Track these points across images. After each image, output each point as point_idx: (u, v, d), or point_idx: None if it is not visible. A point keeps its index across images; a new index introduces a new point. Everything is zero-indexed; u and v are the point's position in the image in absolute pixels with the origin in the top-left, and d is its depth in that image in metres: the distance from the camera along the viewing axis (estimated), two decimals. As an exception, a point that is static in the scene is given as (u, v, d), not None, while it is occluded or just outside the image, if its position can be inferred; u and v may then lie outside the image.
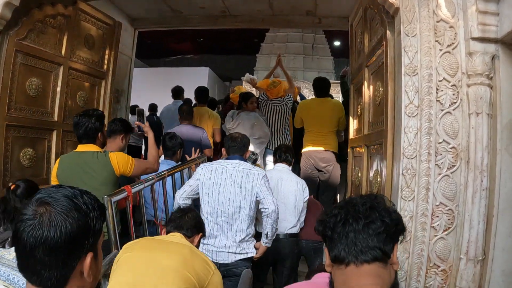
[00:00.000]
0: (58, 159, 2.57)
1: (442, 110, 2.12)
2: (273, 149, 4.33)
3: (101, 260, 0.91)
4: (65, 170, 2.45)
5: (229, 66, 10.63)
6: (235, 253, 2.48)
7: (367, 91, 2.88)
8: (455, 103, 2.12)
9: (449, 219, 2.12)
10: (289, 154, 3.12)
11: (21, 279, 1.27)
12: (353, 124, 3.43)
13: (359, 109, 3.19)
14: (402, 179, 2.10)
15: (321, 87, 4.37)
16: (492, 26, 2.12)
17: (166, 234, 1.93)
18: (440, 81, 2.13)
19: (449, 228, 2.12)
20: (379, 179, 2.55)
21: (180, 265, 1.60)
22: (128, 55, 4.53)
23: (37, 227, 0.76)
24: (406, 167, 2.10)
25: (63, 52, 3.48)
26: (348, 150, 3.54)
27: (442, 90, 2.13)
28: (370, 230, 0.92)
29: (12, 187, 2.15)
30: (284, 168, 3.06)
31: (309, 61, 9.83)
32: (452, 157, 2.10)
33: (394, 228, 0.95)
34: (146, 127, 2.79)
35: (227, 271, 2.45)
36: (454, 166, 2.10)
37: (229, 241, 2.48)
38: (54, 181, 2.51)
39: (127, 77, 4.55)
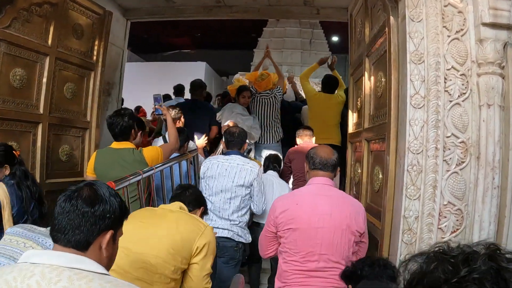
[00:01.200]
0: (94, 153, 2.79)
1: (451, 101, 1.93)
2: (265, 143, 4.17)
3: (117, 247, 1.08)
4: (102, 164, 2.64)
5: (226, 60, 10.38)
6: (228, 229, 2.59)
7: (368, 83, 2.69)
8: (464, 93, 1.93)
9: (457, 220, 1.93)
10: (277, 164, 3.51)
11: (49, 242, 1.57)
12: (352, 118, 3.23)
13: (358, 102, 2.99)
14: (407, 176, 1.91)
15: (330, 85, 4.32)
16: (504, 11, 1.92)
17: None
18: (448, 69, 1.93)
19: (457, 229, 1.93)
20: (380, 176, 2.36)
21: (170, 231, 1.67)
22: (120, 47, 4.32)
23: (76, 197, 1.01)
24: (411, 163, 1.91)
25: (49, 41, 3.27)
26: (347, 145, 3.35)
27: (451, 80, 1.93)
28: None
29: None
30: (274, 175, 3.41)
31: (306, 56, 9.58)
32: (461, 153, 1.91)
33: None
34: (164, 109, 2.93)
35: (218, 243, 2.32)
36: (463, 162, 1.91)
37: (222, 222, 2.62)
38: (90, 173, 2.72)
39: (118, 69, 4.33)
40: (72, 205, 0.99)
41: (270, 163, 3.50)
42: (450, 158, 1.91)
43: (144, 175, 2.50)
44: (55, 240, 1.00)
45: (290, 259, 1.78)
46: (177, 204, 1.88)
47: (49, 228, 1.05)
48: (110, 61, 4.16)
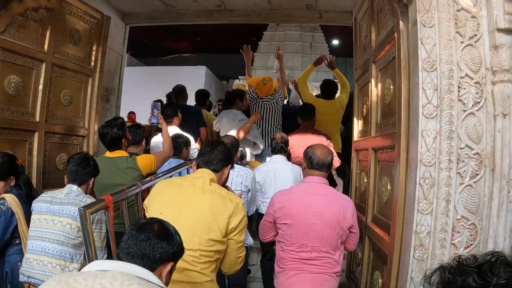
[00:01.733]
0: None
1: (465, 110, 1.83)
2: (267, 149, 4.07)
3: (171, 278, 1.21)
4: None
5: (226, 65, 10.28)
6: None
7: (375, 90, 2.59)
8: (478, 102, 1.82)
9: (471, 235, 1.82)
10: (284, 144, 3.28)
11: (72, 210, 2.07)
12: (357, 125, 3.13)
13: (364, 109, 2.90)
14: (419, 190, 1.80)
15: (329, 90, 4.23)
16: (520, 16, 1.83)
17: (196, 168, 1.89)
18: (461, 77, 1.83)
19: (471, 245, 1.83)
20: (389, 187, 2.26)
21: (204, 214, 1.66)
22: (118, 52, 4.22)
23: (148, 230, 1.16)
24: (423, 175, 1.80)
25: (45, 47, 3.18)
26: (352, 153, 3.25)
27: (465, 88, 1.83)
28: None
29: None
30: (279, 159, 3.26)
31: (307, 60, 9.51)
32: (476, 165, 1.81)
33: None
34: (161, 118, 2.97)
35: None
36: (477, 174, 1.81)
37: None
38: None
39: (117, 75, 4.23)
40: (145, 236, 1.13)
41: (277, 145, 3.28)
42: (464, 171, 1.81)
43: (143, 187, 2.40)
44: (121, 259, 1.11)
45: (287, 248, 2.03)
46: (206, 175, 1.79)
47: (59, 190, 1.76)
48: (109, 66, 4.07)
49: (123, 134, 2.71)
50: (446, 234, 1.80)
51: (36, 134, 3.14)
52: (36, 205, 2.17)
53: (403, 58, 2.01)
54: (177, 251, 1.18)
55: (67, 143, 3.46)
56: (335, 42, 10.39)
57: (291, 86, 5.27)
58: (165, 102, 5.83)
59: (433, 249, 1.82)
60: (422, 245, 1.82)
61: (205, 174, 1.79)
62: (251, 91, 4.36)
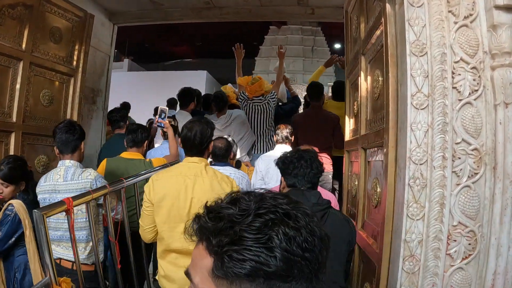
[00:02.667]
0: (104, 161, 2.79)
1: (460, 100, 1.56)
2: (259, 152, 3.81)
3: None
4: (112, 172, 2.69)
5: (227, 69, 10.09)
6: None
7: (364, 84, 2.34)
8: (476, 90, 1.56)
9: (469, 244, 1.55)
10: (289, 132, 3.05)
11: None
12: (349, 124, 2.87)
13: (355, 107, 2.64)
14: (408, 192, 1.54)
15: (340, 91, 3.88)
16: (522, -8, 1.57)
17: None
18: (456, 62, 1.57)
19: (469, 255, 1.55)
20: (378, 189, 1.99)
21: (210, 198, 1.59)
22: (105, 52, 4.03)
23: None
24: (413, 175, 1.54)
25: (23, 45, 3.00)
26: (344, 154, 2.99)
27: (460, 74, 1.57)
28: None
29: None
30: (284, 149, 2.89)
31: (309, 64, 9.25)
32: (474, 162, 1.54)
33: None
34: (166, 123, 3.00)
35: None
36: (476, 173, 1.54)
37: None
38: None
39: (104, 76, 4.04)
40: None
41: (280, 132, 3.07)
42: (461, 169, 1.54)
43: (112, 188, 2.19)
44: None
45: None
46: (199, 162, 1.91)
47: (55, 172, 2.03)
48: (95, 67, 3.89)
49: (147, 136, 2.87)
50: (441, 243, 1.53)
51: (13, 135, 2.95)
52: (40, 197, 2.20)
53: (391, 44, 1.75)
54: None
55: (47, 144, 3.25)
56: (337, 46, 10.13)
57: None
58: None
59: (425, 260, 1.55)
60: (413, 256, 1.55)
61: (198, 162, 1.90)
62: (241, 91, 4.12)
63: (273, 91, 4.03)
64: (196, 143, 1.88)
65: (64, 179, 2.16)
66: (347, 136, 2.88)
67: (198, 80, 8.95)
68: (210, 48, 10.15)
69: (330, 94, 4.91)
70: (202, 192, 1.80)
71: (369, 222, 2.14)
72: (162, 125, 3.02)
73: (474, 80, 1.58)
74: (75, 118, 3.41)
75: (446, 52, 1.56)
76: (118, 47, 10.60)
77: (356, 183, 2.51)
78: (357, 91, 2.54)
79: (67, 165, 2.19)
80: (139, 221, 1.98)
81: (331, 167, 3.52)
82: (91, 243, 2.16)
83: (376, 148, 2.06)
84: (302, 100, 4.79)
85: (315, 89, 3.77)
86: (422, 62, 1.57)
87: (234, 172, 2.73)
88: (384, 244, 1.71)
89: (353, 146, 2.60)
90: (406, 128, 1.57)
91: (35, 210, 1.72)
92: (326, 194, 2.00)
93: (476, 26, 1.59)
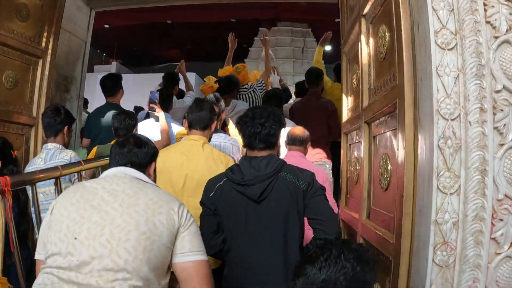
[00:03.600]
0: (95, 149, 2.69)
1: (497, 37, 1.17)
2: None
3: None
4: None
5: (217, 72, 9.75)
6: None
7: (365, 48, 1.94)
8: (517, 25, 1.17)
9: (520, 225, 1.13)
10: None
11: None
12: (347, 104, 2.47)
13: (354, 80, 2.24)
14: (438, 156, 1.12)
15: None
16: None
17: (188, 126, 2.05)
18: (489, -10, 1.18)
19: (520, 240, 1.14)
20: (389, 167, 1.57)
21: (207, 174, 1.74)
22: (82, 38, 3.61)
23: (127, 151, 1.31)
24: (444, 134, 1.12)
25: (-16, 20, 2.56)
26: (342, 139, 2.57)
27: (493, 6, 1.18)
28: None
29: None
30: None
31: (299, 65, 8.94)
32: (521, 116, 1.13)
33: None
34: (158, 107, 2.94)
35: None
36: (525, 131, 1.13)
37: None
38: None
39: (79, 63, 3.60)
40: (127, 148, 1.28)
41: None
42: (504, 125, 1.13)
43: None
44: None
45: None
46: (198, 139, 1.95)
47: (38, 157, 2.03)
48: (69, 53, 3.46)
49: (135, 123, 2.73)
50: (483, 224, 1.11)
51: (-34, 119, 2.50)
52: None
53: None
54: (154, 152, 1.35)
55: (10, 132, 2.77)
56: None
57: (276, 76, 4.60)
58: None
59: (462, 249, 1.12)
60: (447, 243, 1.12)
61: (197, 139, 1.94)
62: None
63: (260, 79, 3.66)
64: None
65: (44, 161, 2.11)
66: (344, 117, 2.48)
67: (187, 82, 8.55)
68: (199, 51, 9.77)
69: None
70: (196, 169, 1.85)
71: (378, 210, 1.71)
72: (154, 110, 2.97)
73: (510, 14, 1.19)
74: (42, 104, 2.96)
75: (478, -25, 1.16)
76: (106, 50, 10.18)
77: (357, 167, 2.10)
78: (356, 62, 2.15)
79: (48, 148, 2.16)
80: None
81: (326, 156, 3.11)
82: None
83: (384, 117, 1.65)
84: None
85: (312, 72, 3.51)
86: (446, -11, 1.17)
87: (224, 140, 2.60)
88: (403, 231, 1.28)
89: (354, 124, 2.19)
90: (430, 74, 1.17)
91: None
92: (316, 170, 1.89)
93: None
